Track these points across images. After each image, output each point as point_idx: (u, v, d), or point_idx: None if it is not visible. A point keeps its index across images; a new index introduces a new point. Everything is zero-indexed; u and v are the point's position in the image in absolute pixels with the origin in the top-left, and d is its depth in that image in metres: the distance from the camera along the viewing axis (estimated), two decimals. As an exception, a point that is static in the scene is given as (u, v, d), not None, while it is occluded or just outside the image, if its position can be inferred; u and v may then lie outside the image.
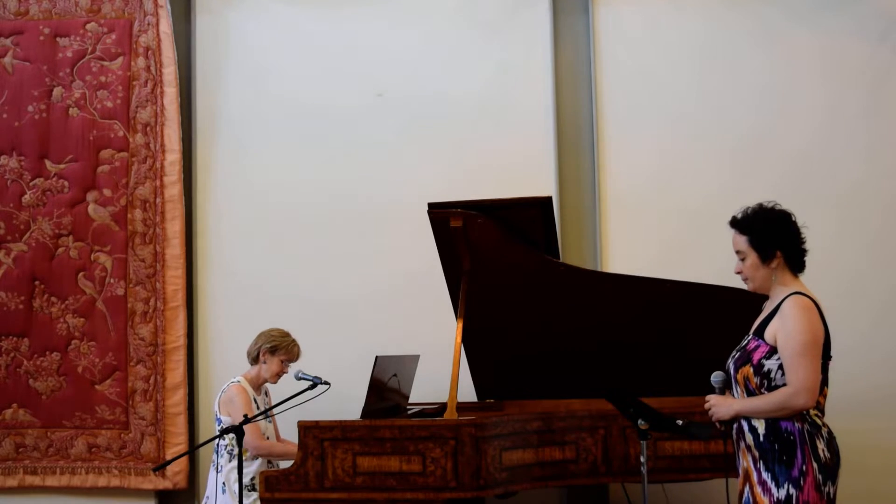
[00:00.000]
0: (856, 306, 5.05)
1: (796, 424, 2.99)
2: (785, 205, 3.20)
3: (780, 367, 3.02)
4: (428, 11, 5.51)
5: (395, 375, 4.35)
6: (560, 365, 4.54)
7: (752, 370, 3.05)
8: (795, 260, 3.14)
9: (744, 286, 3.27)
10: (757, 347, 3.07)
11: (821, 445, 2.99)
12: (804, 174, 5.22)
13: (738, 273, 3.20)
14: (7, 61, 5.56)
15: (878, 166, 5.23)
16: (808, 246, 3.16)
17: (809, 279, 3.20)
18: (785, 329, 3.00)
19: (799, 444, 2.98)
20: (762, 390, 3.04)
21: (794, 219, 3.15)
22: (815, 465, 2.96)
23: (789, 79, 5.31)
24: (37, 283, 5.47)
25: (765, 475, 3.00)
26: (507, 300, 4.42)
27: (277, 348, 4.47)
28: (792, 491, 2.95)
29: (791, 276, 3.14)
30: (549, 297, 4.39)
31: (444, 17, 5.51)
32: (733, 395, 3.16)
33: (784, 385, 3.01)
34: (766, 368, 3.03)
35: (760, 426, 3.03)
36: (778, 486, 2.97)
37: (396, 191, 5.39)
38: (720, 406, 3.12)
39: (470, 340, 4.41)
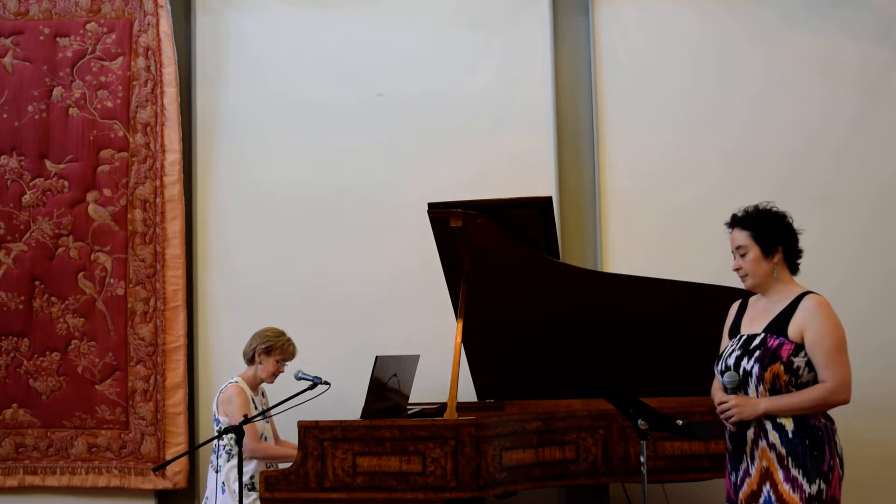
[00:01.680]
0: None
1: (822, 420, 3.08)
2: (783, 205, 3.27)
3: (808, 363, 3.07)
4: (428, 11, 5.51)
5: (395, 375, 4.34)
6: (560, 365, 4.54)
7: (782, 367, 3.07)
8: (793, 259, 3.22)
9: (742, 286, 3.29)
10: (781, 345, 3.09)
11: (837, 441, 3.10)
12: (803, 174, 5.22)
13: (737, 270, 3.24)
14: (7, 61, 5.56)
15: (875, 166, 5.23)
16: (803, 245, 3.24)
17: (804, 276, 3.25)
18: (816, 327, 3.06)
19: (826, 439, 3.05)
20: (790, 387, 3.07)
21: (791, 221, 3.23)
22: (838, 459, 3.06)
23: (788, 79, 5.32)
24: (37, 283, 5.47)
25: (794, 472, 3.02)
26: (507, 300, 4.42)
27: (272, 348, 4.46)
28: (823, 486, 3.01)
29: (789, 275, 3.22)
30: (549, 297, 4.39)
31: (444, 17, 5.51)
32: (746, 395, 3.15)
33: (810, 381, 3.07)
34: (795, 365, 3.07)
35: (788, 424, 3.06)
36: (810, 481, 3.01)
37: (396, 191, 5.39)
38: (745, 406, 3.10)
39: (470, 340, 4.41)
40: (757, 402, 3.10)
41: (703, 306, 4.21)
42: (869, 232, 5.21)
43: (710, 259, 4.46)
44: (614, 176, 5.36)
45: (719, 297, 4.10)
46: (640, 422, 3.38)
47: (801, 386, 3.07)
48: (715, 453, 3.91)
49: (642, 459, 3.38)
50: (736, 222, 3.24)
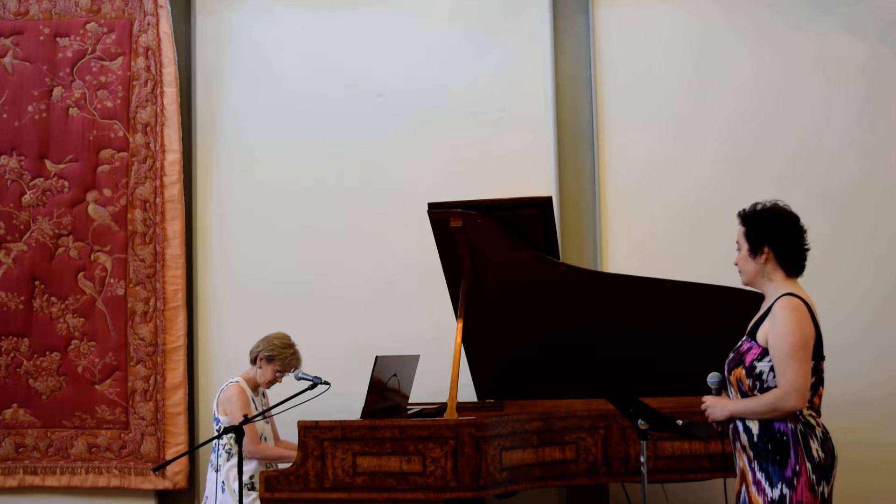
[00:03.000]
0: (852, 304, 5.05)
1: (789, 425, 3.00)
2: (790, 204, 3.20)
3: (772, 368, 3.02)
4: (428, 11, 5.51)
5: (395, 375, 4.35)
6: (560, 365, 4.53)
7: (744, 372, 3.06)
8: (788, 261, 3.13)
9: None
10: (750, 349, 3.08)
11: (814, 445, 2.99)
12: (803, 173, 5.22)
13: (736, 264, 3.23)
14: (7, 61, 5.56)
15: (874, 165, 5.23)
16: (813, 247, 3.16)
17: (806, 277, 3.21)
18: (775, 331, 3.01)
19: (792, 444, 2.98)
20: (755, 392, 3.05)
21: (795, 221, 3.15)
22: (808, 465, 2.97)
23: (788, 78, 5.32)
24: (37, 283, 5.47)
25: (759, 475, 3.02)
26: (507, 300, 4.42)
27: (274, 358, 4.44)
28: (785, 491, 2.96)
29: (783, 276, 3.13)
30: (548, 297, 4.39)
31: (444, 16, 5.51)
32: (729, 396, 3.18)
33: (776, 387, 3.01)
34: (758, 370, 3.04)
35: (754, 426, 3.05)
36: (772, 485, 2.98)
37: (396, 191, 5.39)
38: (716, 407, 3.15)
39: (470, 340, 4.41)
40: (725, 403, 3.13)
41: (703, 306, 4.22)
42: (872, 231, 5.21)
43: (710, 258, 4.47)
44: (614, 176, 5.36)
45: (719, 297, 4.12)
46: (640, 422, 3.38)
47: (767, 390, 3.03)
48: (715, 453, 3.90)
49: (642, 459, 3.38)
50: (739, 217, 3.21)
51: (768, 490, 2.98)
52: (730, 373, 3.11)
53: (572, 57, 5.51)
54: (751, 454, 3.05)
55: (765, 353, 3.03)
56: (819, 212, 5.04)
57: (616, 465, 4.01)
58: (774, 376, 3.01)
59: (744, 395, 3.08)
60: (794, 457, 2.97)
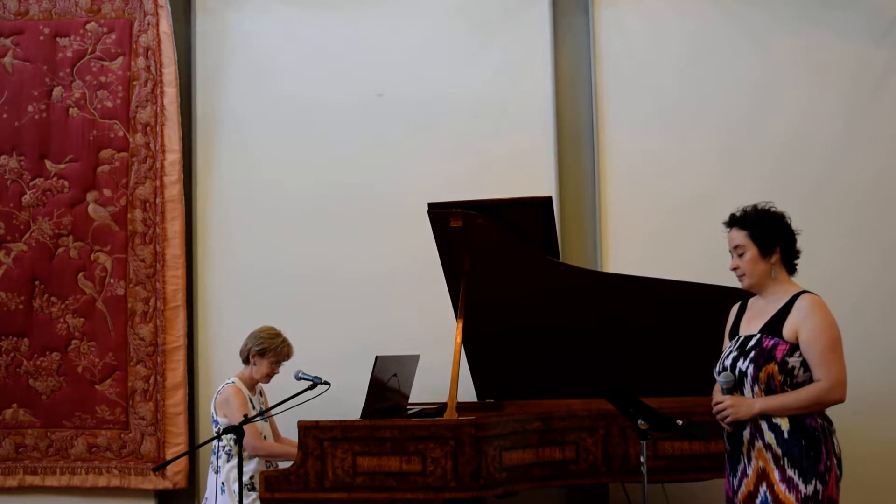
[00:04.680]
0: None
1: (818, 421, 3.07)
2: (782, 205, 3.28)
3: (803, 363, 3.07)
4: (428, 11, 5.51)
5: (395, 375, 4.34)
6: (560, 365, 4.54)
7: (777, 368, 3.07)
8: (790, 260, 3.23)
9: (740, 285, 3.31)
10: (777, 345, 3.09)
11: (834, 440, 3.09)
12: (801, 174, 5.23)
13: (734, 269, 3.25)
14: (7, 61, 5.56)
15: (871, 166, 5.23)
16: (800, 244, 3.25)
17: (798, 275, 3.28)
18: (810, 326, 3.06)
19: (822, 439, 3.04)
20: (785, 388, 3.07)
21: (789, 220, 3.24)
22: (835, 460, 3.05)
23: (787, 80, 5.32)
24: (37, 283, 5.47)
25: (790, 472, 3.02)
26: (507, 300, 4.42)
27: (266, 350, 4.43)
28: (819, 486, 3.00)
29: (787, 275, 3.23)
30: (548, 297, 4.39)
31: (444, 17, 5.51)
32: (743, 395, 3.16)
33: (806, 381, 3.06)
34: (790, 365, 3.07)
35: (784, 424, 3.06)
36: (806, 482, 3.00)
37: (396, 191, 5.39)
38: (740, 407, 3.11)
39: (470, 340, 4.41)
40: (752, 402, 3.10)
41: (703, 306, 4.22)
42: (864, 232, 5.22)
43: (710, 259, 4.43)
44: (614, 175, 5.36)
45: (719, 297, 4.10)
46: (640, 422, 3.38)
47: (797, 386, 3.07)
48: (715, 453, 3.90)
49: (642, 459, 3.38)
50: (734, 222, 3.25)
51: (802, 486, 3.00)
52: (759, 370, 3.09)
53: (572, 57, 5.51)
54: (778, 452, 3.05)
55: (793, 348, 3.07)
56: (812, 212, 5.06)
57: (616, 465, 4.01)
58: (805, 371, 3.07)
59: (771, 391, 3.08)
60: (824, 452, 3.03)
